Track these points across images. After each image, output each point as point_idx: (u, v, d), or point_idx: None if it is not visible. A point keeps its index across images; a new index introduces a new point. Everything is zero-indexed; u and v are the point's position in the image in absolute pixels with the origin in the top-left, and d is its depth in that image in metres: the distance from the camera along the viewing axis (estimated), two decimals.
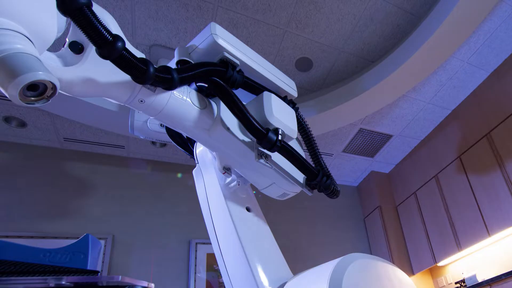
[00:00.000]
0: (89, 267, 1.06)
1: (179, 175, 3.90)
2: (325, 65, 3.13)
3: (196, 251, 3.46)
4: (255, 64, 1.05)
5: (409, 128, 3.91)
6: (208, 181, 1.21)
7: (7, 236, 2.84)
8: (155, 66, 0.72)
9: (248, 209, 1.12)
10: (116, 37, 0.62)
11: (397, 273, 1.04)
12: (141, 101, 0.81)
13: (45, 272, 0.93)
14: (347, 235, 4.38)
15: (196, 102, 0.92)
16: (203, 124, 0.93)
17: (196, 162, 1.26)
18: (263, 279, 0.98)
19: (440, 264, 3.75)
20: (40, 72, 0.46)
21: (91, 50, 0.69)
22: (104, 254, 3.09)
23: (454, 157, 3.63)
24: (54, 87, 0.48)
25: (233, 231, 1.03)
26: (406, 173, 4.34)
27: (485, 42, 2.99)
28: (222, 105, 0.94)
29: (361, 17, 2.74)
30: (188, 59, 0.94)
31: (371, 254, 4.42)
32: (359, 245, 4.38)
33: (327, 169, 1.13)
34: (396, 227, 4.27)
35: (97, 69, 0.71)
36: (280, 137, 0.92)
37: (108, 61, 0.64)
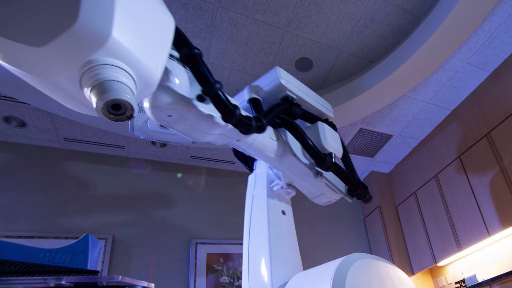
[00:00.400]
0: (89, 267, 1.06)
1: (179, 175, 3.90)
2: (325, 65, 3.13)
3: (196, 251, 3.46)
4: (307, 96, 1.32)
5: (409, 128, 3.91)
6: (258, 185, 1.45)
7: (7, 236, 2.84)
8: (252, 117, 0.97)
9: (283, 212, 1.35)
10: (236, 107, 0.87)
11: (397, 273, 1.05)
12: (238, 140, 1.07)
13: (45, 272, 0.93)
14: (347, 235, 4.38)
15: (273, 136, 1.17)
16: (277, 152, 1.18)
17: (254, 169, 1.54)
18: (277, 271, 1.15)
19: (440, 264, 3.75)
20: (127, 95, 0.60)
21: (210, 104, 0.92)
22: (104, 254, 3.09)
23: (454, 157, 3.63)
24: (132, 110, 0.61)
25: (265, 227, 1.23)
26: (406, 173, 4.34)
27: (485, 42, 2.99)
28: (289, 135, 1.21)
29: (361, 17, 2.74)
30: (258, 97, 1.21)
31: (371, 254, 4.42)
32: (359, 245, 4.38)
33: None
34: (396, 227, 4.27)
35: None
36: (334, 160, 1.18)
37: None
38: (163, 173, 3.84)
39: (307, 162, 1.21)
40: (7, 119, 3.09)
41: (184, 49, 0.80)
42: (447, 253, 3.56)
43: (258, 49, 2.88)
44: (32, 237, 2.95)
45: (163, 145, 3.66)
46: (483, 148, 3.30)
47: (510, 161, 3.00)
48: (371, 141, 4.04)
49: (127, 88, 0.61)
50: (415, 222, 4.04)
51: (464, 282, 3.47)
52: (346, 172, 1.24)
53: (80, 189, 3.38)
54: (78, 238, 1.17)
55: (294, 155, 1.18)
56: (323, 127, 1.24)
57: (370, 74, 3.09)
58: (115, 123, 3.04)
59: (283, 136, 1.20)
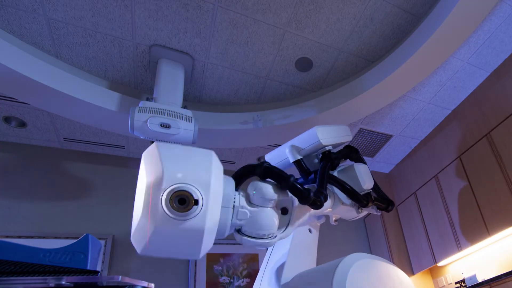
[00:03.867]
0: (89, 267, 1.06)
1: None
2: (325, 65, 3.13)
3: None
4: (337, 138, 1.51)
5: (409, 128, 3.91)
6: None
7: (7, 236, 2.84)
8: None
9: (310, 230, 1.58)
10: (308, 191, 1.06)
11: (397, 273, 1.05)
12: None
13: (45, 272, 0.92)
14: (347, 235, 4.38)
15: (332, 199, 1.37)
16: (330, 205, 1.37)
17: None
18: (288, 275, 1.30)
19: (440, 264, 3.75)
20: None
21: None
22: (104, 254, 3.09)
23: (454, 157, 3.63)
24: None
25: (290, 237, 1.43)
26: (406, 173, 4.34)
27: (485, 42, 2.99)
28: (335, 187, 1.39)
29: (361, 17, 2.74)
30: (301, 157, 1.45)
31: (371, 254, 4.42)
32: (359, 245, 4.38)
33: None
34: (396, 227, 4.27)
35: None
36: (373, 198, 1.40)
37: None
38: None
39: (350, 204, 1.42)
40: (7, 119, 3.09)
41: (258, 169, 1.09)
42: (447, 253, 3.56)
43: (258, 49, 2.88)
44: (32, 237, 2.95)
45: None
46: (483, 148, 3.30)
47: (510, 161, 3.00)
48: (371, 141, 4.04)
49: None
50: (415, 222, 4.04)
51: (464, 282, 3.47)
52: (380, 199, 1.50)
53: (80, 189, 3.38)
54: (78, 238, 1.17)
55: (343, 203, 1.38)
56: (359, 169, 1.40)
57: (370, 74, 3.09)
58: (115, 123, 3.03)
59: (330, 189, 1.38)
